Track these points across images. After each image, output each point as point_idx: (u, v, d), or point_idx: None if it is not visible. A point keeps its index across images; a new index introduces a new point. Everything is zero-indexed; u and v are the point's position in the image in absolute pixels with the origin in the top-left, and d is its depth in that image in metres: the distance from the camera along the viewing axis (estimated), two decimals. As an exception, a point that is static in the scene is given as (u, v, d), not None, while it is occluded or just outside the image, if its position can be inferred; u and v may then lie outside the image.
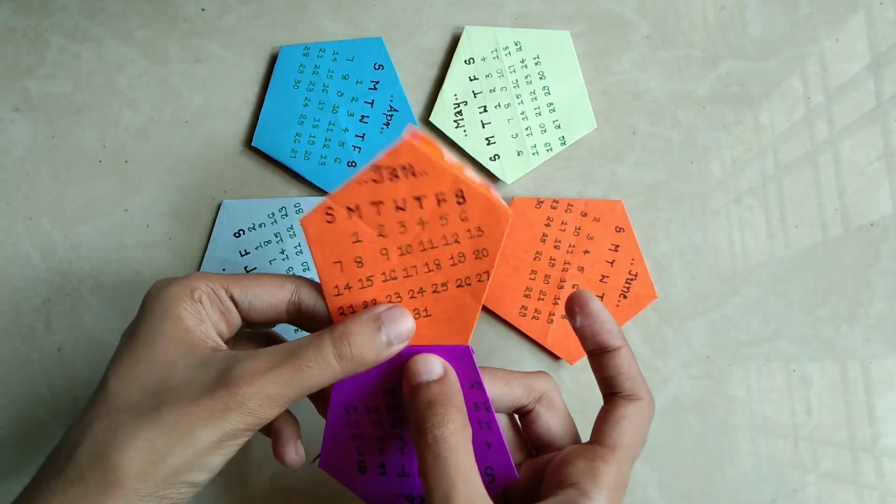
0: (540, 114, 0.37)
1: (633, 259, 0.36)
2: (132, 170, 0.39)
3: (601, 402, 0.27)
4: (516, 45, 0.38)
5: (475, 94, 0.37)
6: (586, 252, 0.36)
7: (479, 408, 0.28)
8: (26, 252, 0.38)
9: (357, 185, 0.26)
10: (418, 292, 0.28)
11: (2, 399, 0.37)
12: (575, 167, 0.38)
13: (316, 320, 0.27)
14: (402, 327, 0.26)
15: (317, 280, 0.28)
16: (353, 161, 0.37)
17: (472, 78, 0.38)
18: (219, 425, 0.23)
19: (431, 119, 0.37)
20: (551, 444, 0.28)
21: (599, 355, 0.27)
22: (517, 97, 0.37)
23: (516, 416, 0.30)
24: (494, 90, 0.38)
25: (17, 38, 0.40)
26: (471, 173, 0.27)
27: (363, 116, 0.38)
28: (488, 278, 0.27)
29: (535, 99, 0.37)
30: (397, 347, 0.26)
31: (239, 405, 0.23)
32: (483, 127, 0.37)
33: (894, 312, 0.36)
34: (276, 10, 0.39)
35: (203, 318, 0.26)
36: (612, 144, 0.38)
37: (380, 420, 0.29)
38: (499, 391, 0.28)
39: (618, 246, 0.36)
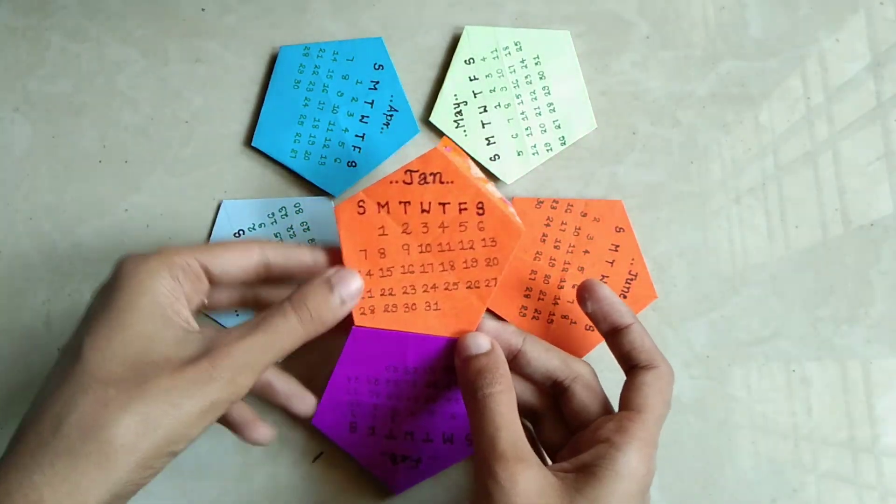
0: (540, 114, 0.37)
1: (633, 259, 0.36)
2: (132, 170, 0.39)
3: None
4: (516, 45, 0.37)
5: (475, 94, 0.37)
6: (586, 252, 0.36)
7: None
8: (26, 252, 0.38)
9: (389, 184, 0.30)
10: (431, 287, 0.31)
11: (2, 399, 0.37)
12: (575, 167, 0.38)
13: (289, 276, 0.30)
14: (351, 287, 0.28)
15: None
16: (353, 161, 0.37)
17: (472, 78, 0.37)
18: (205, 396, 0.24)
19: (431, 119, 0.37)
20: (588, 421, 0.30)
21: (614, 335, 0.30)
22: (517, 97, 0.37)
23: (530, 426, 0.33)
24: (494, 90, 0.37)
25: (17, 38, 0.40)
26: (492, 188, 0.31)
27: (363, 116, 0.38)
28: (496, 284, 0.31)
29: (535, 99, 0.37)
30: (350, 305, 0.29)
31: (220, 375, 0.25)
32: (483, 127, 0.37)
33: (894, 312, 0.36)
34: (276, 10, 0.39)
35: (178, 296, 0.27)
36: (612, 144, 0.38)
37: (377, 391, 0.33)
38: (537, 354, 0.31)
39: (618, 246, 0.36)
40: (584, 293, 0.31)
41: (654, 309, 0.37)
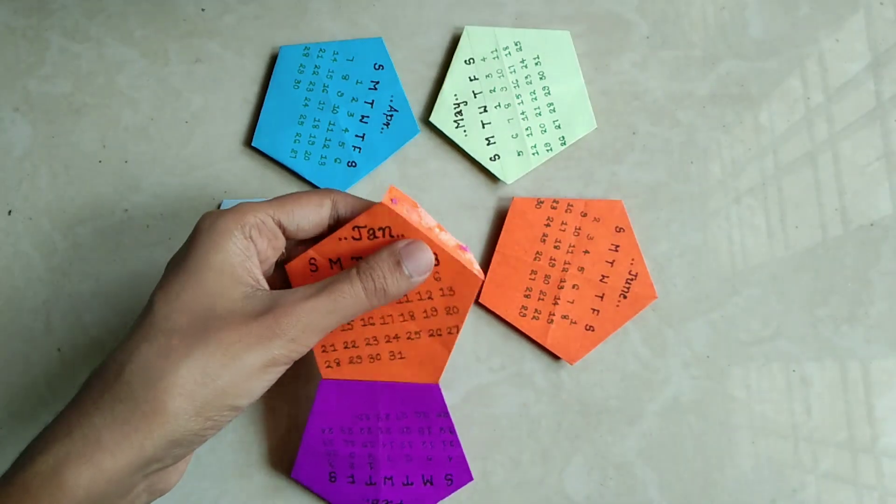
0: (540, 114, 0.37)
1: (633, 259, 0.36)
2: (132, 170, 0.39)
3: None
4: (516, 45, 0.37)
5: (475, 94, 0.37)
6: (586, 252, 0.36)
7: (444, 431, 0.33)
8: (26, 252, 0.38)
9: (339, 241, 0.29)
10: (394, 337, 0.31)
11: (2, 399, 0.37)
12: (575, 167, 0.38)
13: None
14: (420, 263, 0.28)
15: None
16: (353, 161, 0.37)
17: (472, 78, 0.37)
18: (266, 350, 0.25)
19: (431, 119, 0.37)
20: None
21: None
22: (517, 97, 0.37)
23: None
24: (494, 90, 0.37)
25: (17, 38, 0.40)
26: (447, 236, 0.30)
27: (363, 116, 0.38)
28: (458, 332, 0.31)
29: (536, 99, 0.37)
30: (417, 280, 0.28)
31: (284, 332, 0.25)
32: (483, 127, 0.37)
33: (894, 312, 0.36)
34: (276, 10, 0.39)
35: (250, 254, 0.27)
36: (612, 144, 0.38)
37: (352, 440, 0.34)
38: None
39: (618, 246, 0.36)
40: None
41: (654, 309, 0.37)
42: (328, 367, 0.32)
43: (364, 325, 0.31)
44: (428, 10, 0.39)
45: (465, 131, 0.37)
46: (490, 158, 0.37)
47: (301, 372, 0.36)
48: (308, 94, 0.38)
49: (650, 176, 0.38)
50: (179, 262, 0.27)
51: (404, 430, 0.33)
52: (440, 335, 0.31)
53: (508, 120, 0.37)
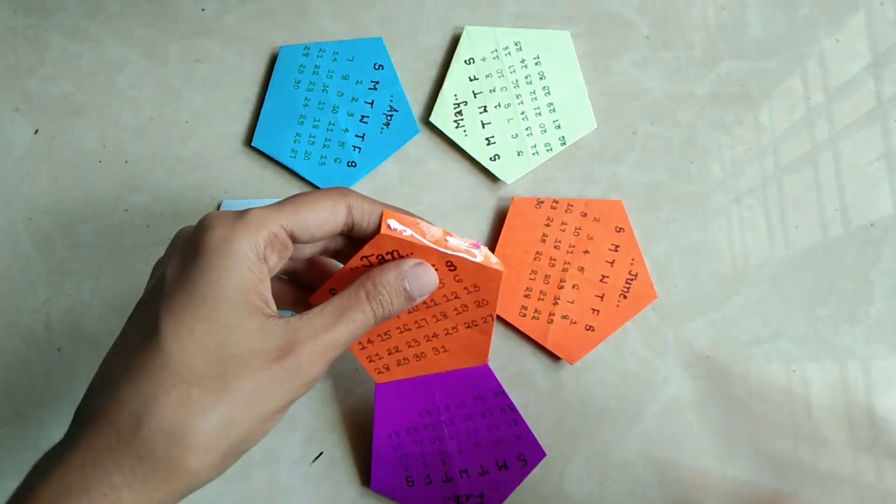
0: (540, 114, 0.37)
1: (633, 259, 0.36)
2: (132, 170, 0.38)
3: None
4: (516, 45, 0.37)
5: (475, 95, 0.37)
6: (586, 252, 0.36)
7: (505, 410, 0.34)
8: (26, 252, 0.38)
9: (350, 270, 0.28)
10: (433, 336, 0.31)
11: (2, 399, 0.37)
12: (575, 167, 0.38)
13: (365, 233, 0.28)
14: (425, 284, 0.27)
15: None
16: (353, 161, 0.37)
17: (472, 78, 0.37)
18: (286, 395, 0.24)
19: (431, 119, 0.37)
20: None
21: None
22: (517, 97, 0.37)
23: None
24: (494, 90, 0.37)
25: (17, 38, 0.40)
26: (454, 241, 0.29)
27: (363, 116, 0.38)
28: (493, 319, 0.31)
29: (535, 99, 0.37)
30: (420, 300, 0.28)
31: (307, 371, 0.24)
32: (483, 127, 0.37)
33: (894, 312, 0.36)
34: (276, 10, 0.39)
35: (262, 276, 0.25)
36: (612, 144, 0.38)
37: (419, 439, 0.34)
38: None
39: (618, 246, 0.36)
40: None
41: (654, 309, 0.37)
42: (379, 373, 0.32)
43: (401, 332, 0.31)
44: (428, 10, 0.39)
45: (464, 131, 0.37)
46: (490, 158, 0.37)
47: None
48: (308, 94, 0.38)
49: (650, 176, 0.38)
50: (187, 282, 0.24)
51: (467, 418, 0.33)
52: (476, 325, 0.31)
53: (508, 120, 0.37)
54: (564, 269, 0.36)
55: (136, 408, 0.23)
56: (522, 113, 0.37)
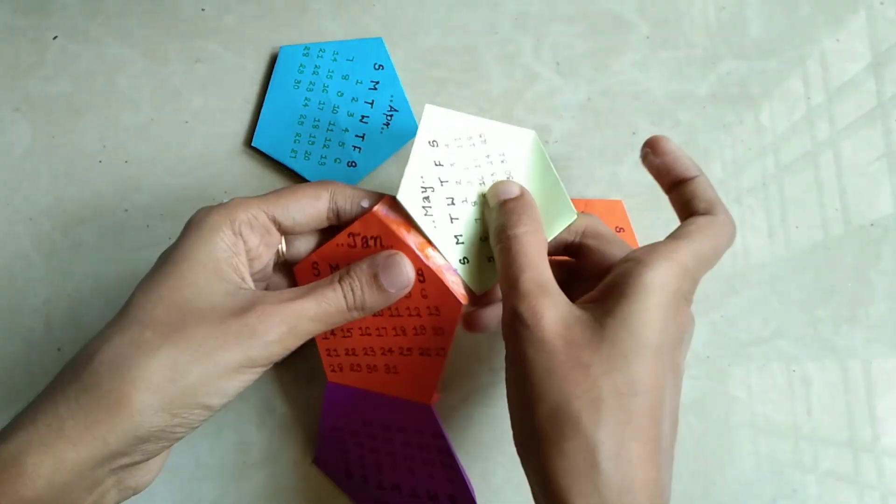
0: None
1: (633, 259, 0.36)
2: (132, 170, 0.39)
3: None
4: (480, 137, 0.30)
5: (441, 183, 0.30)
6: (586, 252, 0.36)
7: (441, 453, 0.32)
8: (26, 252, 0.38)
9: (336, 246, 0.29)
10: (388, 350, 0.30)
11: (2, 399, 0.37)
12: (575, 167, 0.38)
13: (352, 218, 0.29)
14: (398, 275, 0.27)
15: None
16: (353, 161, 0.37)
17: (438, 163, 0.30)
18: (242, 350, 0.24)
19: (399, 197, 0.29)
20: (614, 264, 0.28)
21: (677, 188, 0.29)
22: (484, 196, 0.30)
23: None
24: (460, 183, 0.30)
25: (17, 38, 0.40)
26: (437, 256, 0.29)
27: (363, 116, 0.38)
28: (444, 354, 0.29)
29: None
30: (397, 295, 0.27)
31: (264, 332, 0.24)
32: (451, 222, 0.30)
33: (894, 312, 0.36)
34: (276, 10, 0.39)
35: (237, 251, 0.26)
36: (612, 144, 0.38)
37: (360, 442, 0.33)
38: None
39: (618, 246, 0.36)
40: (648, 148, 0.29)
41: (654, 309, 0.37)
42: (332, 370, 0.32)
43: (362, 335, 0.30)
44: (428, 10, 0.39)
45: (433, 222, 0.29)
46: (460, 261, 0.30)
47: (302, 373, 0.36)
48: (308, 94, 0.38)
49: (650, 176, 0.38)
50: (166, 255, 0.26)
51: (404, 444, 0.32)
52: (429, 355, 0.30)
53: (476, 220, 0.30)
54: (564, 269, 0.36)
55: (92, 347, 0.24)
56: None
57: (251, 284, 0.27)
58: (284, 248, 0.30)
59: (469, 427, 0.36)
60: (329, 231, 0.30)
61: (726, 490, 0.36)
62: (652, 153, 0.29)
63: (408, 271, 0.27)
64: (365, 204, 0.29)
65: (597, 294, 0.25)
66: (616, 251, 0.29)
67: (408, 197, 0.29)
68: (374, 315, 0.30)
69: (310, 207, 0.28)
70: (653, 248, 0.25)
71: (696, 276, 0.25)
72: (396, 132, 0.38)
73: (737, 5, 0.39)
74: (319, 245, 0.31)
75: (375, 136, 0.38)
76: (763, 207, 0.37)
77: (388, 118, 0.38)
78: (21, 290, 0.38)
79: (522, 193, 0.29)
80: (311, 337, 0.26)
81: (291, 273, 0.31)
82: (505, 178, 0.30)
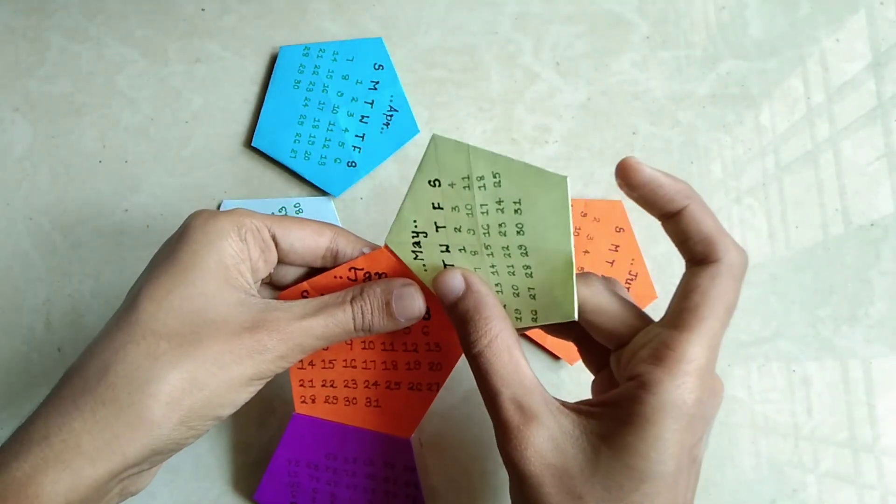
0: (514, 273, 0.27)
1: (633, 259, 0.36)
2: (132, 170, 0.39)
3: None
4: (494, 177, 0.25)
5: (437, 228, 0.27)
6: (586, 252, 0.36)
7: (408, 485, 0.32)
8: (26, 252, 0.38)
9: (333, 278, 0.28)
10: (373, 384, 0.30)
11: (2, 399, 0.37)
12: (575, 167, 0.38)
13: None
14: (411, 307, 0.27)
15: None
16: (353, 161, 0.37)
17: (437, 206, 0.27)
18: (255, 364, 0.24)
19: (387, 241, 0.28)
20: (620, 342, 0.26)
21: (666, 222, 0.26)
22: (486, 247, 0.26)
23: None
24: (460, 230, 0.27)
25: (17, 38, 0.40)
26: None
27: (363, 116, 0.38)
28: (438, 389, 0.29)
29: (509, 256, 0.26)
30: (406, 324, 0.27)
31: (275, 348, 0.24)
32: (444, 268, 0.27)
33: (894, 312, 0.36)
34: (276, 10, 0.39)
35: (244, 258, 0.26)
36: (612, 144, 0.38)
37: (317, 476, 0.33)
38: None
39: (618, 246, 0.36)
40: (622, 179, 0.25)
41: (654, 309, 0.37)
42: (303, 402, 0.31)
43: (345, 367, 0.30)
44: (428, 10, 0.39)
45: (424, 266, 0.28)
46: None
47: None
48: (308, 94, 0.38)
49: (650, 176, 0.38)
50: (169, 257, 0.25)
51: (370, 477, 0.32)
52: (420, 390, 0.29)
53: (475, 269, 0.27)
54: (564, 269, 0.36)
55: (104, 357, 0.23)
56: (493, 266, 0.27)
57: (256, 292, 0.27)
58: (273, 271, 0.30)
59: (469, 427, 0.36)
60: (320, 272, 0.30)
61: (726, 490, 0.36)
62: (626, 187, 0.25)
63: (420, 304, 0.27)
64: (366, 251, 0.29)
65: (597, 405, 0.24)
66: (622, 329, 0.26)
67: (397, 244, 0.28)
68: (364, 348, 0.29)
69: (310, 240, 0.28)
70: (661, 357, 0.22)
71: (716, 347, 0.23)
72: (396, 132, 0.38)
73: (737, 5, 0.39)
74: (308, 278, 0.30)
75: (375, 136, 0.38)
76: (763, 207, 0.37)
77: (388, 118, 0.38)
78: (21, 290, 0.38)
79: (469, 287, 0.26)
80: (314, 352, 0.26)
81: (273, 292, 0.31)
82: (514, 231, 0.26)
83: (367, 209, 0.38)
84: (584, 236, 0.36)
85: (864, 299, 0.37)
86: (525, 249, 0.26)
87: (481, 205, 0.26)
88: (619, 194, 0.38)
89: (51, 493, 0.21)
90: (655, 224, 0.37)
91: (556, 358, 0.37)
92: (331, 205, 0.38)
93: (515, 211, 0.25)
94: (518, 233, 0.26)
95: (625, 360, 0.25)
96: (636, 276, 0.36)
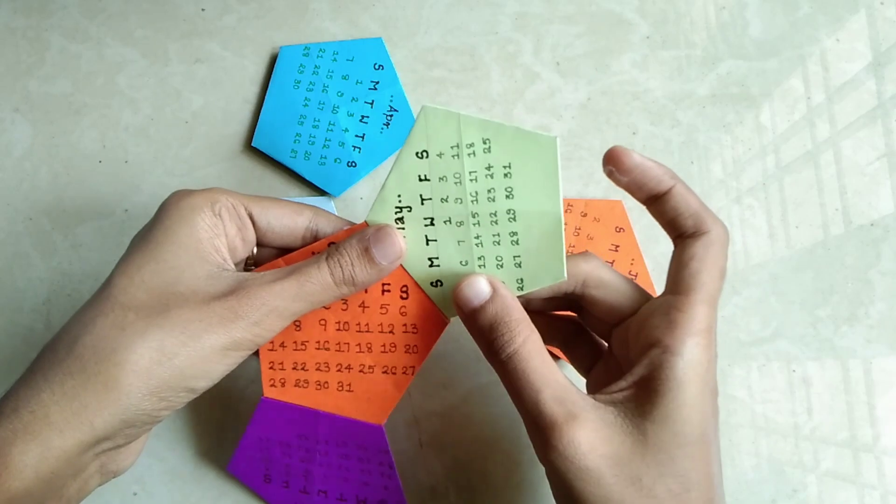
0: (499, 242, 0.27)
1: (633, 259, 0.36)
2: (132, 170, 0.39)
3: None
4: (485, 143, 0.26)
5: (423, 201, 0.27)
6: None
7: (382, 466, 0.31)
8: (26, 252, 0.38)
9: (311, 253, 0.28)
10: (346, 367, 0.29)
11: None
12: (575, 167, 0.38)
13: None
14: (390, 246, 0.26)
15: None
16: (353, 161, 0.37)
17: (423, 178, 0.27)
18: (227, 332, 0.24)
19: (369, 218, 0.28)
20: (622, 316, 0.27)
21: (654, 203, 0.27)
22: (473, 215, 0.27)
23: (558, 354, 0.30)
24: (447, 200, 0.27)
25: (17, 38, 0.40)
26: None
27: (363, 116, 0.38)
28: (413, 373, 0.29)
29: (496, 223, 0.27)
30: (388, 269, 0.27)
31: (247, 314, 0.24)
32: (427, 244, 0.28)
33: (894, 312, 0.36)
34: (276, 10, 0.39)
35: (218, 233, 0.26)
36: (611, 144, 0.38)
37: (289, 453, 0.32)
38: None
39: (618, 246, 0.36)
40: (611, 166, 0.26)
41: (654, 309, 0.37)
42: (272, 385, 0.30)
43: (318, 349, 0.29)
44: (428, 10, 0.39)
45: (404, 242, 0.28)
46: (432, 283, 0.28)
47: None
48: (308, 94, 0.38)
49: (650, 176, 0.38)
50: (144, 236, 0.25)
51: (343, 457, 0.31)
52: (394, 374, 0.29)
53: (459, 242, 0.27)
54: (564, 269, 0.36)
55: (74, 332, 0.23)
56: (477, 237, 0.27)
57: (232, 266, 0.27)
58: (255, 251, 0.29)
59: (469, 427, 0.36)
60: None
61: (726, 490, 0.36)
62: (616, 171, 0.26)
63: (400, 243, 0.27)
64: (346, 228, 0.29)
65: (627, 387, 0.24)
66: (625, 302, 0.27)
67: (378, 218, 0.28)
68: (338, 329, 0.29)
69: (287, 218, 0.28)
70: (675, 323, 0.24)
71: (715, 311, 0.25)
72: (396, 132, 0.38)
73: (737, 5, 0.39)
74: None
75: (375, 136, 0.38)
76: (763, 207, 0.37)
77: (388, 118, 0.38)
78: (21, 290, 0.38)
79: (496, 291, 0.26)
80: (297, 318, 0.26)
81: None
82: (504, 195, 0.26)
83: (367, 209, 0.38)
84: (585, 236, 0.36)
85: (864, 299, 0.37)
86: (514, 214, 0.27)
87: (470, 172, 0.27)
88: (618, 194, 0.38)
89: (19, 463, 0.21)
90: (655, 224, 0.37)
91: (555, 358, 0.37)
92: (331, 205, 0.38)
93: (505, 175, 0.26)
94: (507, 197, 0.26)
95: (633, 333, 0.26)
96: (636, 276, 0.36)
